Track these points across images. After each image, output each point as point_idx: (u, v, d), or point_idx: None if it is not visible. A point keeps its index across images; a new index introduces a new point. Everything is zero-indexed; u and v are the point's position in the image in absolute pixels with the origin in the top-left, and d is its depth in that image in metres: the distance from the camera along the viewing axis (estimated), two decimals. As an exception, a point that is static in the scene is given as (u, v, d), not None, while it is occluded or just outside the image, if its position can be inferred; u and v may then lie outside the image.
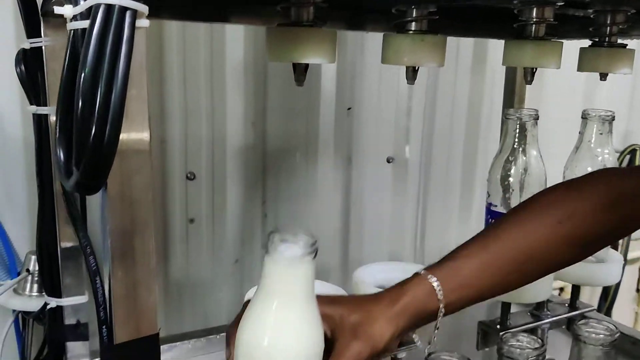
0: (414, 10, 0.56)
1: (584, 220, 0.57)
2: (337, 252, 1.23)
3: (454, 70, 1.25)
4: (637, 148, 1.57)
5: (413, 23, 0.57)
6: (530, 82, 0.66)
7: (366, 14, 0.71)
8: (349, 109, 1.18)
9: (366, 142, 1.22)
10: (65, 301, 0.76)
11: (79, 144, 0.34)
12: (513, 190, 0.72)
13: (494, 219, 0.72)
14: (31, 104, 0.67)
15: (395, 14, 0.58)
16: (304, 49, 0.50)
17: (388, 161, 1.26)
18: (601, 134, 0.77)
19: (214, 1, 0.62)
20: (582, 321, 0.56)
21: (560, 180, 0.85)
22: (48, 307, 0.75)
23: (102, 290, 0.39)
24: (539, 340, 0.51)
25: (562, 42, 0.66)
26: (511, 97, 0.99)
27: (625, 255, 1.53)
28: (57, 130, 0.37)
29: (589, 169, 0.77)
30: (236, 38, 1.03)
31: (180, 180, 1.06)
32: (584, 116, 0.78)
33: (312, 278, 0.47)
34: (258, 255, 1.13)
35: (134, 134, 0.39)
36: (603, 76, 0.71)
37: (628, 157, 1.56)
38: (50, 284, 0.77)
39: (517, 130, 0.72)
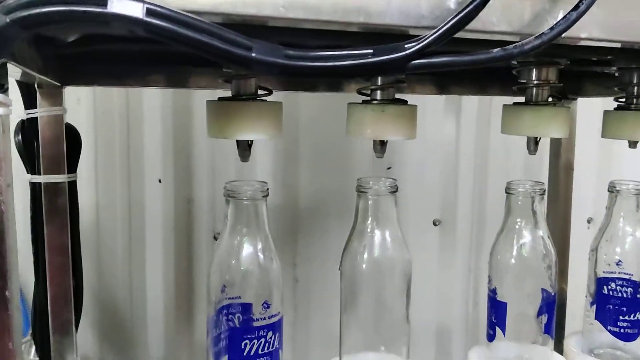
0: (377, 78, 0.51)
1: None
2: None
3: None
4: None
5: (378, 92, 0.52)
6: (534, 152, 0.58)
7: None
8: (388, 168, 1.12)
9: (409, 202, 1.15)
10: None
11: None
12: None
13: (496, 313, 0.62)
14: (27, 172, 0.69)
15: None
16: (242, 125, 0.47)
17: (434, 224, 1.17)
18: (637, 209, 0.65)
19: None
20: None
21: (584, 266, 0.71)
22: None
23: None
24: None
25: (569, 108, 0.57)
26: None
27: None
28: None
29: (618, 250, 0.65)
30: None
31: (207, 241, 1.05)
32: (611, 189, 0.66)
33: None
34: (290, 319, 1.09)
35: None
36: (632, 144, 0.60)
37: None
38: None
39: (521, 207, 0.62)
